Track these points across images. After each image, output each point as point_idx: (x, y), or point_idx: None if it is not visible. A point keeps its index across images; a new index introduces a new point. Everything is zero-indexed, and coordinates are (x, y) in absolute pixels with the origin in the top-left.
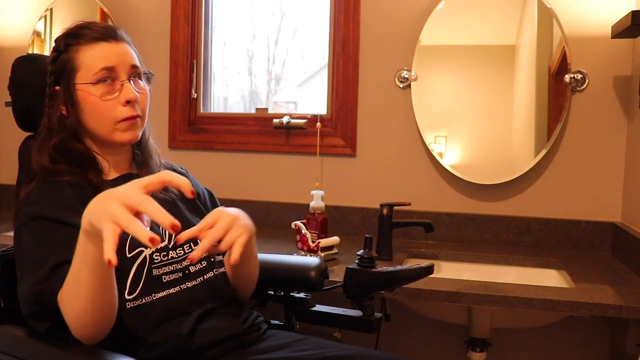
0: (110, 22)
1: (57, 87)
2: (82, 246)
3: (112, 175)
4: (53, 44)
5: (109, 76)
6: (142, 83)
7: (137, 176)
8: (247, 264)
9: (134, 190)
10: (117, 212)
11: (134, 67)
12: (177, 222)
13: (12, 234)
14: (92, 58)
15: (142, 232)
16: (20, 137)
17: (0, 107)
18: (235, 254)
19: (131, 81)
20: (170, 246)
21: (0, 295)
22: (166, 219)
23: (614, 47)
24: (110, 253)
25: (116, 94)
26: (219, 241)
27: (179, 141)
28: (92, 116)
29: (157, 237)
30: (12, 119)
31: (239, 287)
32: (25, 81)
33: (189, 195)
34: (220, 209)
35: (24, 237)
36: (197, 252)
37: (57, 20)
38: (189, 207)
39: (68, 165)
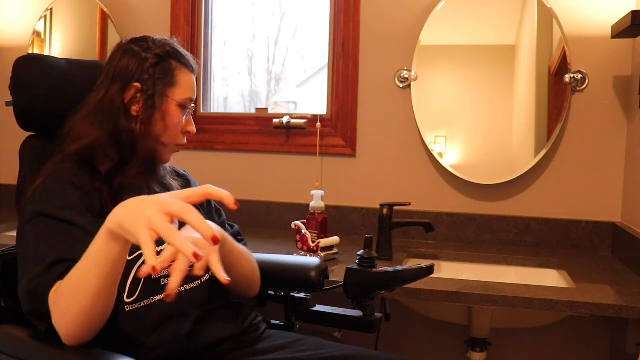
0: (110, 22)
1: (137, 84)
2: (101, 245)
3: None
4: (154, 42)
5: (189, 106)
6: None
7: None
8: (236, 266)
9: (176, 199)
10: (157, 220)
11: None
12: (218, 235)
13: (12, 234)
14: (186, 83)
15: (185, 245)
16: (20, 137)
17: (0, 107)
18: (218, 275)
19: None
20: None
21: (1, 295)
22: (208, 230)
23: (614, 47)
24: (154, 260)
25: (184, 122)
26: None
27: None
28: (164, 129)
29: (201, 254)
30: (13, 119)
31: (240, 290)
32: (26, 81)
33: (232, 207)
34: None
35: (26, 235)
36: (171, 289)
37: (57, 20)
38: None
39: (116, 156)
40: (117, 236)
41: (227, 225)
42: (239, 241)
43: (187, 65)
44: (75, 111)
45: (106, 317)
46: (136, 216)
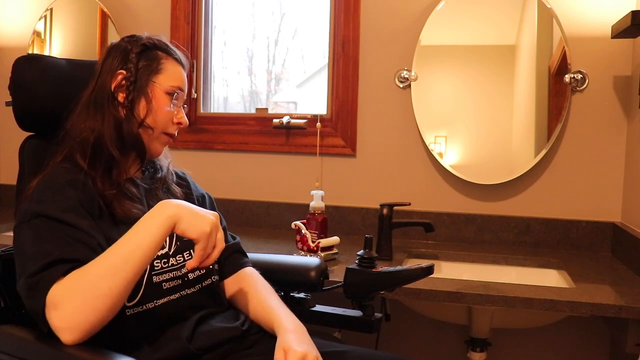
0: (110, 22)
1: (123, 71)
2: (155, 228)
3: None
4: (141, 36)
5: (178, 95)
6: None
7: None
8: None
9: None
10: (212, 236)
11: (185, 99)
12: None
13: (12, 233)
14: (173, 72)
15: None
16: (20, 137)
17: (0, 107)
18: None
19: (183, 109)
20: (170, 253)
21: (1, 295)
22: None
23: (614, 47)
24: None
25: (175, 112)
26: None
27: (179, 141)
28: (149, 113)
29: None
30: (12, 119)
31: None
32: (26, 81)
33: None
34: (284, 346)
35: (25, 234)
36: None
37: (57, 20)
38: None
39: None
40: (170, 225)
41: (229, 236)
42: (239, 254)
43: (174, 56)
44: (70, 110)
45: (117, 310)
46: (198, 223)
